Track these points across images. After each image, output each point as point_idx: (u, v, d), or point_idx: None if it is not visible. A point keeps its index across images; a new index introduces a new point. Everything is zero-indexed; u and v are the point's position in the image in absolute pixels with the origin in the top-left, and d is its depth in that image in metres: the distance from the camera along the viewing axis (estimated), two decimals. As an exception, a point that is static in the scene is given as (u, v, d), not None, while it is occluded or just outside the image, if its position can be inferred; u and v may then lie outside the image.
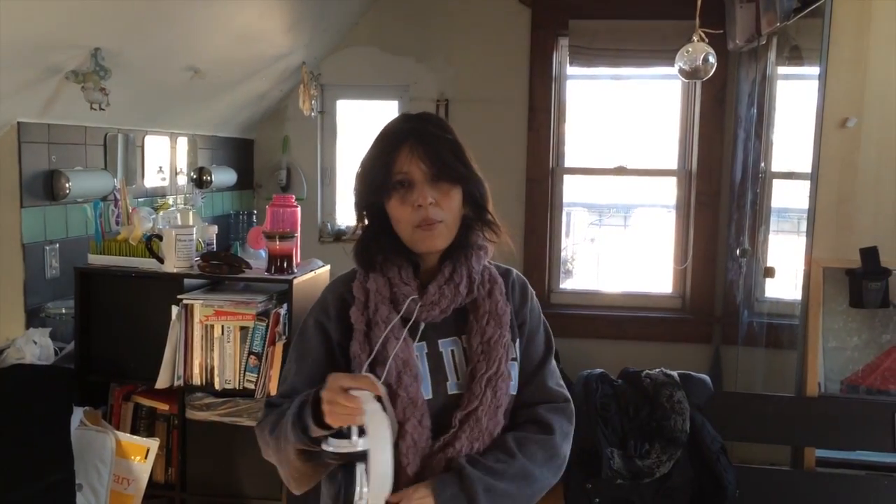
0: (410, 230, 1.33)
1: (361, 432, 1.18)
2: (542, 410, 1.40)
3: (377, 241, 1.37)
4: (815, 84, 2.67)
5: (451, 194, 1.33)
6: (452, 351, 1.37)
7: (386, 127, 1.39)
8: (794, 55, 3.20)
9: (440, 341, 1.37)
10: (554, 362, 1.48)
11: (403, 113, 1.42)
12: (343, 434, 1.19)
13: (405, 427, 1.28)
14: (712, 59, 2.92)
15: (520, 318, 1.44)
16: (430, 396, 1.33)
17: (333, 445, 1.18)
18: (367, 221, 1.40)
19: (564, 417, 1.42)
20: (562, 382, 1.47)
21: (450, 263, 1.37)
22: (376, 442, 1.17)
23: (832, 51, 2.59)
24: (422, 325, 1.35)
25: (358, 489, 1.18)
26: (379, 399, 1.19)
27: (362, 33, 4.10)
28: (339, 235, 4.26)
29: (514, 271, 1.49)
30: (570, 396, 1.46)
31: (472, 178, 1.35)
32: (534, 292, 1.49)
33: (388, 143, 1.34)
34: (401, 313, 1.32)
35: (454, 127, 1.39)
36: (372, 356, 1.29)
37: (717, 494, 2.51)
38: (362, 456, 1.17)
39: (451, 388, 1.35)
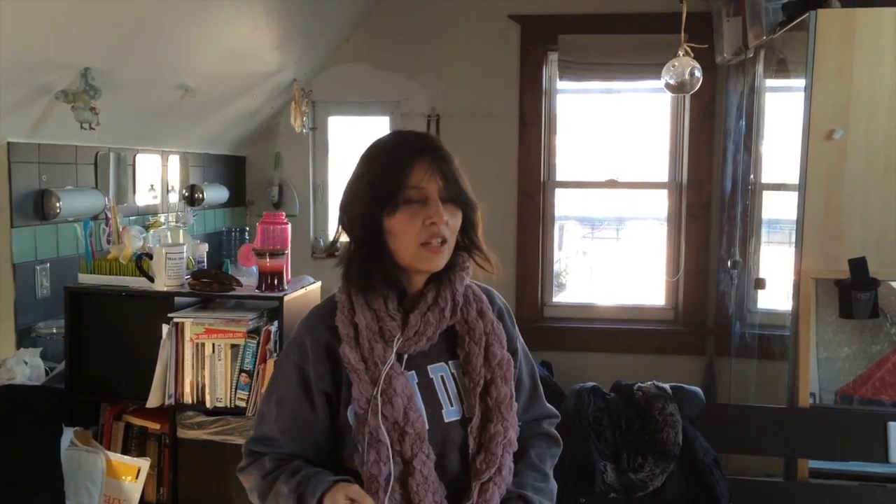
0: (415, 248, 1.29)
1: None
2: (546, 425, 1.48)
3: (374, 263, 1.31)
4: (801, 96, 2.69)
5: (457, 217, 1.32)
6: (442, 377, 1.35)
7: (389, 142, 1.35)
8: (781, 68, 3.22)
9: (429, 367, 1.35)
10: None
11: (406, 130, 1.39)
12: None
13: (413, 464, 1.26)
14: (698, 73, 2.94)
15: (513, 343, 1.45)
16: (427, 427, 1.30)
17: None
18: (358, 240, 1.34)
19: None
20: None
21: (433, 287, 1.35)
22: None
23: (817, 63, 2.61)
24: (405, 357, 1.33)
25: None
26: None
27: (353, 50, 4.12)
28: (331, 251, 4.25)
29: (495, 292, 1.48)
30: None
31: (471, 203, 1.34)
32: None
33: (402, 157, 1.29)
34: (394, 351, 1.29)
35: (445, 142, 1.38)
36: (378, 397, 1.26)
37: (711, 507, 2.51)
38: None
39: (449, 416, 1.33)
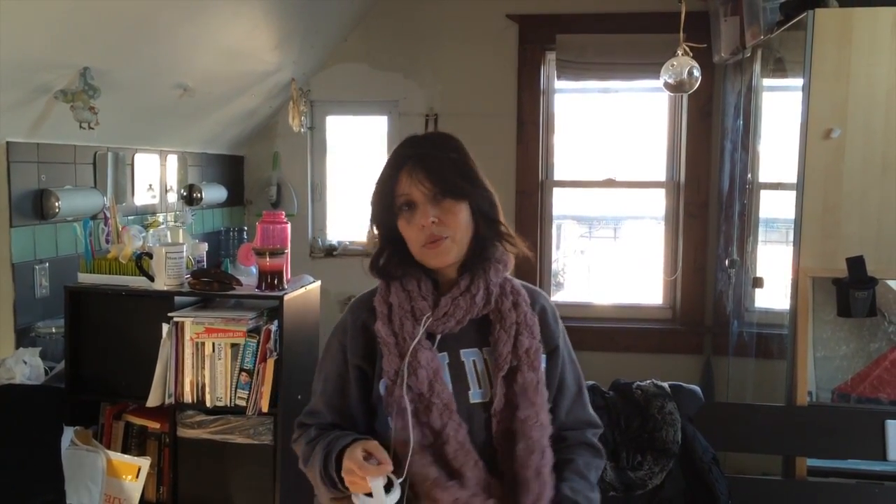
0: (419, 249, 1.39)
1: (389, 488, 1.28)
2: (590, 435, 1.53)
3: (394, 255, 1.43)
4: (799, 95, 2.69)
5: (455, 210, 1.38)
6: (474, 361, 1.41)
7: (394, 152, 1.45)
8: (779, 67, 3.23)
9: (462, 351, 1.41)
10: None
11: (410, 136, 1.47)
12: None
13: (446, 431, 1.33)
14: (697, 73, 2.95)
15: (554, 341, 1.49)
16: (453, 400, 1.37)
17: (361, 501, 1.29)
18: (382, 236, 1.45)
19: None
20: None
21: (468, 276, 1.42)
22: None
23: (815, 62, 2.62)
24: (438, 337, 1.40)
25: None
26: (389, 480, 1.28)
27: (351, 50, 4.12)
28: (330, 251, 4.27)
29: (542, 294, 1.55)
30: None
31: (475, 192, 1.41)
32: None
33: (391, 169, 1.41)
34: (423, 328, 1.37)
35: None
36: (405, 368, 1.34)
37: (710, 505, 2.52)
38: None
39: (474, 397, 1.39)
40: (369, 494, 1.27)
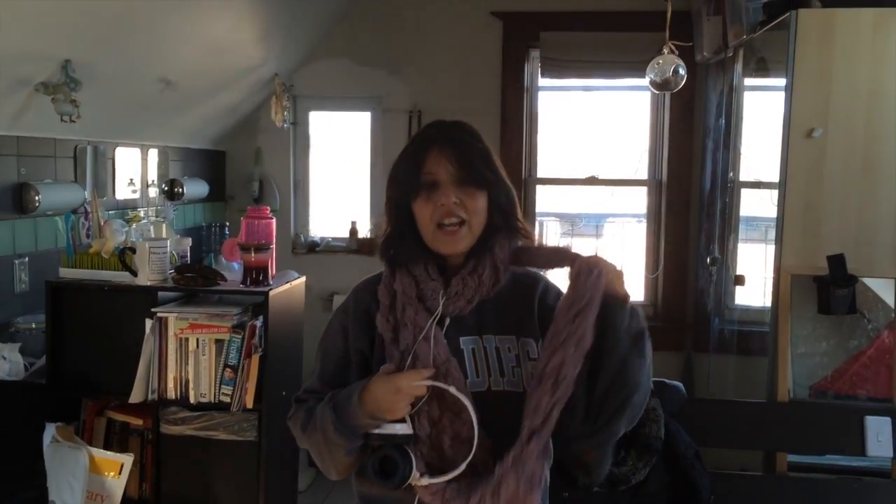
0: (433, 229, 1.38)
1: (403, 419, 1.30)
2: None
3: (403, 240, 1.42)
4: (781, 95, 2.72)
5: (476, 197, 1.39)
6: (473, 349, 1.40)
7: (418, 133, 1.47)
8: (761, 67, 3.26)
9: (461, 339, 1.40)
10: None
11: (437, 120, 1.47)
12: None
13: (442, 422, 1.32)
14: (682, 71, 2.97)
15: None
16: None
17: (389, 429, 1.30)
18: (395, 218, 1.44)
19: None
20: None
21: (474, 259, 1.42)
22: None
23: (797, 62, 2.65)
24: (447, 321, 1.39)
25: (414, 466, 1.29)
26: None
27: (334, 45, 4.10)
28: (312, 247, 4.25)
29: (545, 277, 1.53)
30: None
31: (497, 183, 1.41)
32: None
33: (419, 146, 1.41)
34: (435, 316, 1.36)
35: None
36: (408, 361, 1.34)
37: (692, 500, 2.54)
38: (410, 438, 1.30)
39: (472, 387, 1.37)
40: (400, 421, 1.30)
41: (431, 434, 1.32)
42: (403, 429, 1.30)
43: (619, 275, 1.30)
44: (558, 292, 1.47)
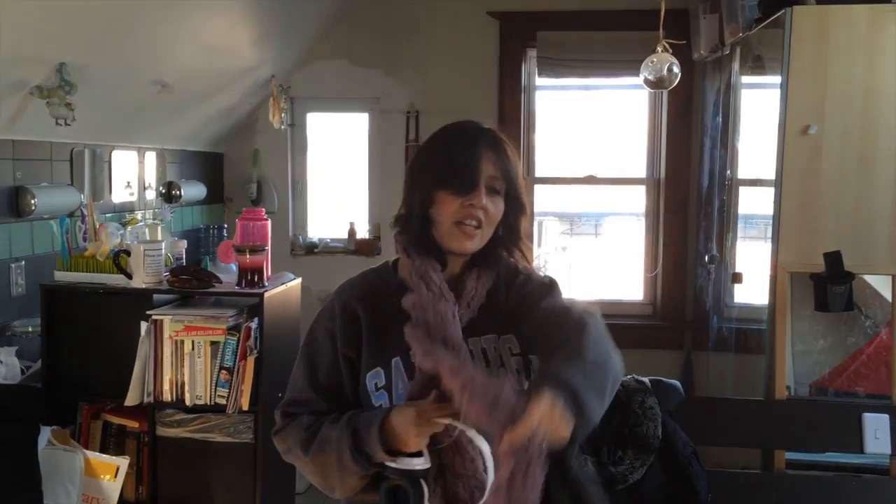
0: (450, 224, 1.36)
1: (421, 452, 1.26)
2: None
3: (412, 225, 1.40)
4: (777, 92, 2.72)
5: (499, 207, 1.38)
6: (471, 352, 1.38)
7: (457, 126, 1.43)
8: (757, 64, 3.25)
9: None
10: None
11: (468, 120, 1.45)
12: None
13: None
14: (676, 69, 2.96)
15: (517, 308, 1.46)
16: None
17: (405, 464, 1.26)
18: (414, 205, 1.40)
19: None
20: None
21: (477, 268, 1.42)
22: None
23: (793, 60, 2.64)
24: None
25: (426, 499, 1.26)
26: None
27: (331, 46, 4.10)
28: (311, 248, 4.25)
29: (537, 274, 1.54)
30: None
31: (516, 198, 1.40)
32: (539, 282, 1.52)
33: (460, 139, 1.39)
34: (455, 318, 1.35)
35: (424, 138, 1.45)
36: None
37: (690, 499, 2.53)
38: (425, 473, 1.26)
39: None
40: (417, 455, 1.26)
41: (445, 475, 1.29)
42: (420, 463, 1.26)
43: (547, 429, 1.14)
44: (538, 281, 1.50)
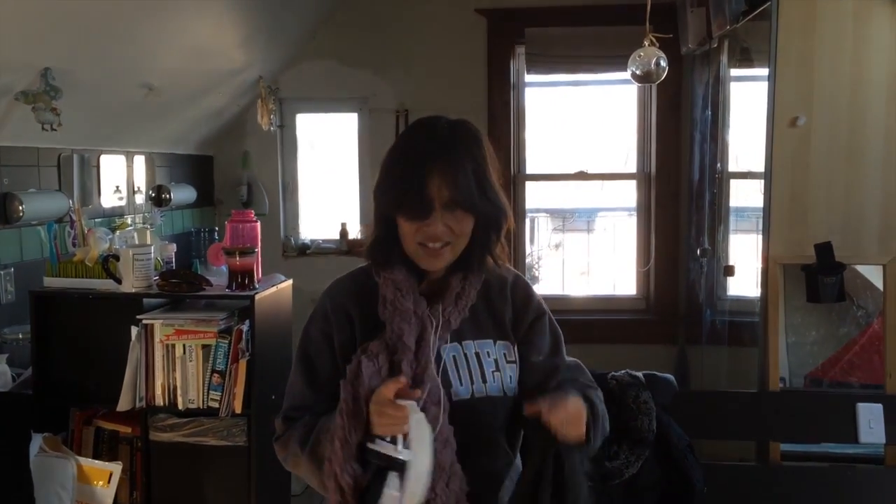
0: (414, 246, 1.35)
1: (402, 442, 1.25)
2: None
3: (384, 245, 1.39)
4: (765, 85, 2.72)
5: (465, 221, 1.34)
6: (454, 357, 1.39)
7: (412, 137, 1.40)
8: (745, 57, 3.26)
9: (442, 347, 1.38)
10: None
11: (432, 123, 1.38)
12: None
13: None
14: (663, 63, 2.96)
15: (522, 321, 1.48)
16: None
17: (379, 445, 1.25)
18: (381, 222, 1.40)
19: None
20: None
21: (458, 279, 1.41)
22: (420, 446, 1.23)
23: (780, 51, 2.64)
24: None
25: (386, 490, 1.23)
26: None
27: (319, 46, 4.09)
28: (303, 250, 4.24)
29: (514, 273, 1.52)
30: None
31: (487, 207, 1.34)
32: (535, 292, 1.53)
33: (410, 159, 1.33)
34: (434, 339, 1.35)
35: None
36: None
37: (686, 492, 2.53)
38: (401, 465, 1.23)
39: (461, 394, 1.38)
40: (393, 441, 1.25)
41: None
42: (391, 449, 1.24)
43: (575, 418, 1.29)
44: (526, 289, 1.50)
